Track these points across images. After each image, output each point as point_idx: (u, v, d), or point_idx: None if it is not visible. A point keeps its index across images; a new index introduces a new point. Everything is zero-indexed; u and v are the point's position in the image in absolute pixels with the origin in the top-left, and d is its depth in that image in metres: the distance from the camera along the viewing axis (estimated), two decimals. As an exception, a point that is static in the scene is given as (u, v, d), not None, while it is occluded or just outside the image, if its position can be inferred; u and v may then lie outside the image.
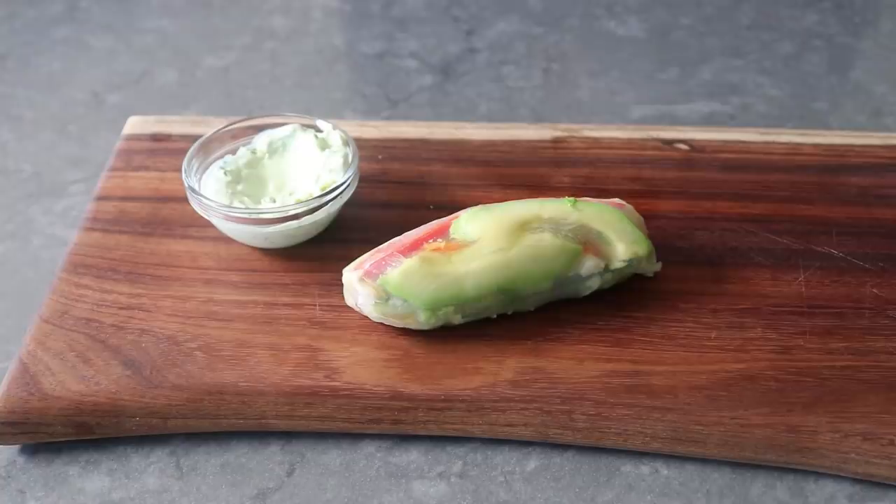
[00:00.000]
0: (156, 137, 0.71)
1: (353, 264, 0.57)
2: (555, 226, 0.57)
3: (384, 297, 0.55)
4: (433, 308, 0.54)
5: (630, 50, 0.89)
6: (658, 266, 0.59)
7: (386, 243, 0.57)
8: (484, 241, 0.56)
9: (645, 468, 0.53)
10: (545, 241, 0.56)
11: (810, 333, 0.56)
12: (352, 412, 0.54)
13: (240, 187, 0.62)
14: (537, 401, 0.53)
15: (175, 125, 0.72)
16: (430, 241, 0.56)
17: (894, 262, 0.61)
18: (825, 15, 0.93)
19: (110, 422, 0.54)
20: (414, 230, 0.58)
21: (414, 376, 0.54)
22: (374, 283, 0.55)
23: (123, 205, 0.65)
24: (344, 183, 0.60)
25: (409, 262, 0.55)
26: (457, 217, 0.58)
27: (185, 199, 0.63)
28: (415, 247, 0.56)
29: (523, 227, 0.56)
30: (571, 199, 0.58)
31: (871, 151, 0.69)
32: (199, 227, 0.63)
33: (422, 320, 0.55)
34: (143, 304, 0.58)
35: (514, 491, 0.52)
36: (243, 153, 0.64)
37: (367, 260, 0.56)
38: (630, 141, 0.70)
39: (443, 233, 0.57)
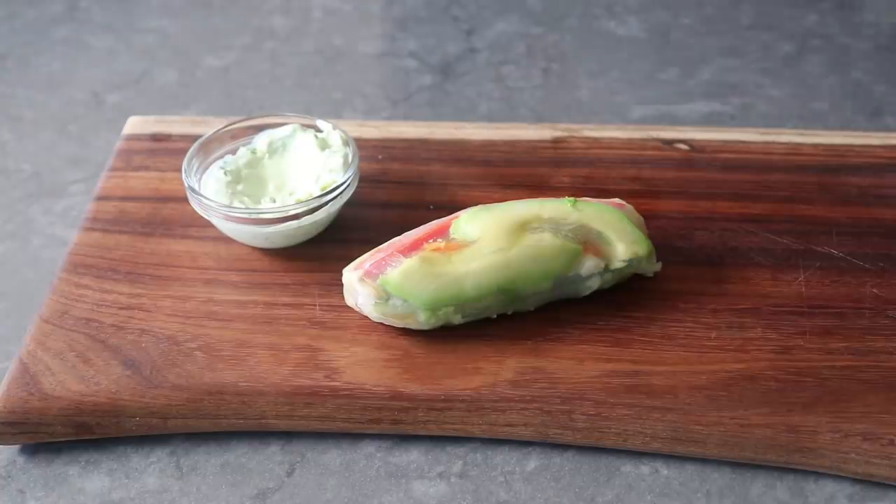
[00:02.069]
0: (156, 137, 0.71)
1: (353, 264, 0.57)
2: (555, 226, 0.57)
3: (384, 297, 0.55)
4: (433, 308, 0.54)
5: (630, 50, 0.89)
6: (658, 266, 0.59)
7: (386, 243, 0.57)
8: (484, 241, 0.56)
9: (645, 468, 0.53)
10: (545, 241, 0.56)
11: (810, 333, 0.56)
12: (352, 412, 0.54)
13: (240, 187, 0.62)
14: (537, 401, 0.53)
15: (175, 125, 0.72)
16: (430, 241, 0.56)
17: (894, 262, 0.61)
18: (825, 15, 0.93)
19: (110, 422, 0.54)
20: (414, 230, 0.58)
21: (414, 376, 0.54)
22: (374, 283, 0.55)
23: (123, 205, 0.65)
24: (344, 183, 0.60)
25: (409, 262, 0.55)
26: (457, 217, 0.58)
27: (185, 199, 0.63)
28: (415, 247, 0.56)
29: (523, 227, 0.56)
30: (571, 199, 0.58)
31: (871, 151, 0.69)
32: (199, 227, 0.63)
33: (422, 320, 0.55)
34: (143, 304, 0.58)
35: (514, 491, 0.52)
36: (243, 153, 0.64)
37: (367, 260, 0.56)
38: (630, 141, 0.70)
39: (443, 233, 0.57)
